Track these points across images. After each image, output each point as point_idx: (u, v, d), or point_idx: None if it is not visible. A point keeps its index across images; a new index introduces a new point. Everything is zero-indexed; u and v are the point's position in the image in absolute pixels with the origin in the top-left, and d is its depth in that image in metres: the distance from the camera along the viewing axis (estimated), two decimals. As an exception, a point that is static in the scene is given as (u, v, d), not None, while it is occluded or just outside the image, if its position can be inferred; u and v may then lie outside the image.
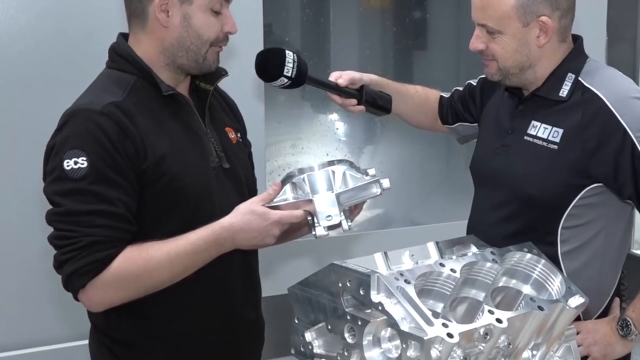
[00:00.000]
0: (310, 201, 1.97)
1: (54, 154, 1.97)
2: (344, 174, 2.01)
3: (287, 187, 2.02)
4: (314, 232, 1.98)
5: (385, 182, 2.03)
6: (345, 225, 2.00)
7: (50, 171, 1.97)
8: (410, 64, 4.20)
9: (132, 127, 1.98)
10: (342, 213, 1.97)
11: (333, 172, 2.00)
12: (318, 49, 3.93)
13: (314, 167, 2.08)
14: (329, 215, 1.96)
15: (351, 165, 2.05)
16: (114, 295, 1.98)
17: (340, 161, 2.08)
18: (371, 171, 2.07)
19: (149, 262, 1.96)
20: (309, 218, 1.98)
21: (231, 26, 2.11)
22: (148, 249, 1.96)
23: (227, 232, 1.98)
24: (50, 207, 1.98)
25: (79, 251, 1.92)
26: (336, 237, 2.03)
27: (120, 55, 2.10)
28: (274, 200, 2.01)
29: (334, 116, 3.98)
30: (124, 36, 2.14)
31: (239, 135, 2.28)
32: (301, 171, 2.08)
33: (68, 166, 1.93)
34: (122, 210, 1.95)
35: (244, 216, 1.98)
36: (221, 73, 2.20)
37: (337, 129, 4.02)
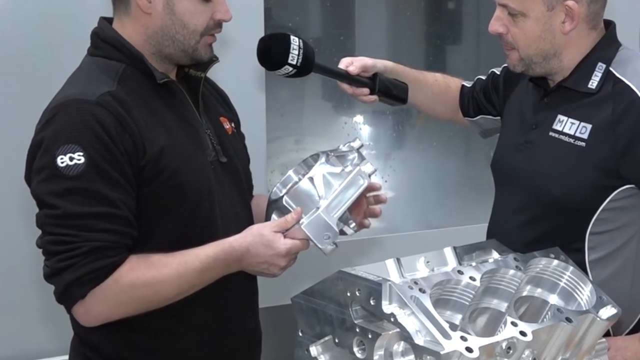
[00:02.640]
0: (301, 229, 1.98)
1: (43, 150, 1.94)
2: (324, 176, 2.01)
3: (274, 215, 2.04)
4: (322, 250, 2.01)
5: (367, 168, 2.03)
6: (348, 231, 2.01)
7: (39, 169, 1.95)
8: (443, 51, 4.18)
9: (130, 119, 1.96)
10: (338, 224, 1.99)
11: (312, 179, 2.00)
12: (331, 35, 3.92)
13: (292, 176, 2.09)
14: (327, 235, 1.98)
15: (327, 157, 2.05)
16: (115, 308, 1.97)
17: (314, 157, 2.09)
18: (355, 143, 2.08)
19: (156, 277, 1.96)
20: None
21: (224, 13, 2.09)
22: (155, 263, 1.96)
23: (237, 252, 2.00)
24: (40, 209, 1.95)
25: (80, 257, 1.90)
26: (344, 242, 2.03)
27: (106, 41, 2.08)
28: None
29: (341, 108, 3.97)
30: (107, 20, 2.12)
31: (233, 125, 2.28)
32: (284, 184, 2.09)
33: (62, 162, 1.90)
34: (125, 212, 1.94)
35: (254, 238, 2.00)
36: (212, 59, 2.18)
37: (345, 122, 4.00)
